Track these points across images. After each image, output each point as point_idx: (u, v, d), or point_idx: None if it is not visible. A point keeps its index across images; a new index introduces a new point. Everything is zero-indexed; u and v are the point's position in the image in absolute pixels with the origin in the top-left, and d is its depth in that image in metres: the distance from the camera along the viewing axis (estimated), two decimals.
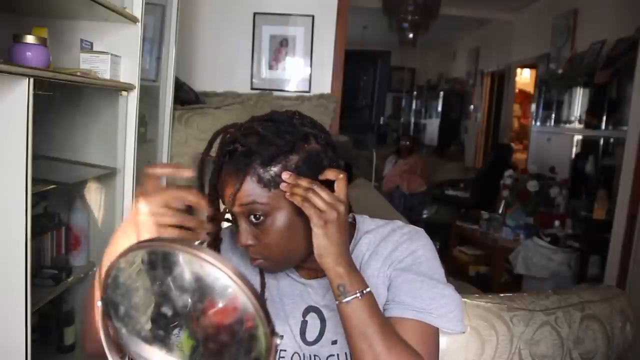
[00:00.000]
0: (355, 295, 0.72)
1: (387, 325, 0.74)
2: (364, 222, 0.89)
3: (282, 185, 0.73)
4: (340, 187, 0.73)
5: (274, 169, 0.73)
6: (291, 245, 0.77)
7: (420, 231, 0.87)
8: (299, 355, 0.84)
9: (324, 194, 0.71)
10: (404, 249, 0.83)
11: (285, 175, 0.73)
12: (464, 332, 0.83)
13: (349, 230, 0.87)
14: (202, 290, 0.48)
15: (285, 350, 0.84)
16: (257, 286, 0.87)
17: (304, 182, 0.72)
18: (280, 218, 0.75)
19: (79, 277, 1.64)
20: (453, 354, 0.98)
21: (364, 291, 0.72)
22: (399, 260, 0.82)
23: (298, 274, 0.87)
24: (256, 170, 0.73)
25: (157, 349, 0.51)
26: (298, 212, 0.75)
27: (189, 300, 0.50)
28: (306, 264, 0.84)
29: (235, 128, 0.78)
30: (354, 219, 0.90)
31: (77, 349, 1.71)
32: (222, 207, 0.79)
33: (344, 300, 0.72)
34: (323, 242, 0.72)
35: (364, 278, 0.75)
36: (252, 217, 0.75)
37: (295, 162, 0.74)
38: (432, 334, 0.79)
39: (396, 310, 0.78)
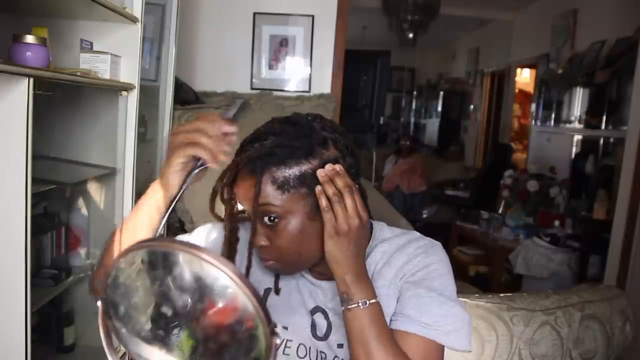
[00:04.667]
0: (356, 305, 0.72)
1: (389, 338, 0.74)
2: (382, 230, 0.88)
3: (319, 173, 0.73)
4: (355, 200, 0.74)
5: (289, 172, 0.73)
6: (303, 249, 0.77)
7: (437, 245, 0.85)
8: (305, 348, 0.84)
9: (349, 202, 0.72)
10: (417, 262, 0.81)
11: (329, 167, 0.73)
12: (470, 351, 0.82)
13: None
14: (202, 290, 0.48)
15: (291, 341, 0.84)
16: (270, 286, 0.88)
17: (340, 182, 0.72)
18: (294, 222, 0.75)
19: (78, 277, 1.64)
20: (453, 354, 0.98)
21: (368, 302, 0.73)
22: (411, 273, 0.81)
23: (309, 273, 0.87)
24: (271, 172, 0.73)
25: (157, 349, 0.51)
26: (312, 217, 0.75)
27: (189, 300, 0.50)
28: (318, 267, 0.84)
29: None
30: (371, 225, 0.89)
31: (77, 348, 1.71)
32: (238, 206, 0.79)
33: (346, 307, 0.73)
34: (332, 250, 0.73)
35: (373, 288, 0.75)
36: (265, 218, 0.75)
37: (311, 167, 0.74)
38: (437, 351, 0.78)
39: (402, 324, 0.78)
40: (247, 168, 0.74)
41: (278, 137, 0.74)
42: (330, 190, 0.72)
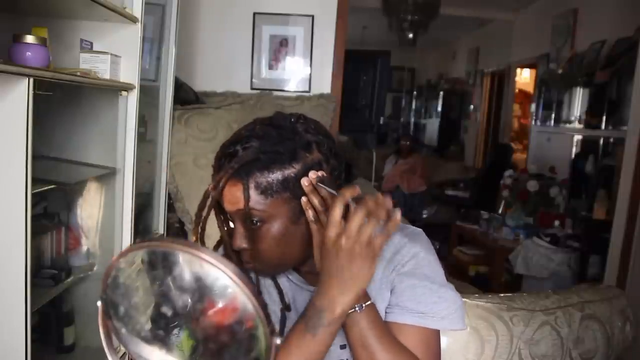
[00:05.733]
0: (353, 310, 0.72)
1: (389, 336, 0.74)
2: None
3: (303, 183, 0.73)
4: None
5: (272, 177, 0.72)
6: (285, 252, 0.77)
7: (420, 232, 0.87)
8: None
9: (337, 213, 0.69)
10: (405, 252, 0.82)
11: (312, 175, 0.73)
12: (464, 329, 0.84)
13: None
14: (201, 290, 0.48)
15: None
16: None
17: (324, 190, 0.72)
18: (276, 226, 0.75)
19: (78, 277, 1.64)
20: (453, 354, 0.98)
21: (364, 305, 0.73)
22: (401, 264, 0.82)
23: (304, 280, 0.87)
24: (254, 177, 0.72)
25: (157, 349, 0.51)
26: (294, 220, 0.75)
27: (189, 300, 0.50)
28: (313, 269, 0.83)
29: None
30: None
31: (77, 348, 1.71)
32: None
33: None
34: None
35: (365, 291, 0.75)
36: (248, 221, 0.75)
37: (295, 171, 0.73)
38: (434, 337, 0.80)
39: (399, 316, 0.79)
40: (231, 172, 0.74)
41: (261, 141, 0.73)
42: (315, 201, 0.72)
